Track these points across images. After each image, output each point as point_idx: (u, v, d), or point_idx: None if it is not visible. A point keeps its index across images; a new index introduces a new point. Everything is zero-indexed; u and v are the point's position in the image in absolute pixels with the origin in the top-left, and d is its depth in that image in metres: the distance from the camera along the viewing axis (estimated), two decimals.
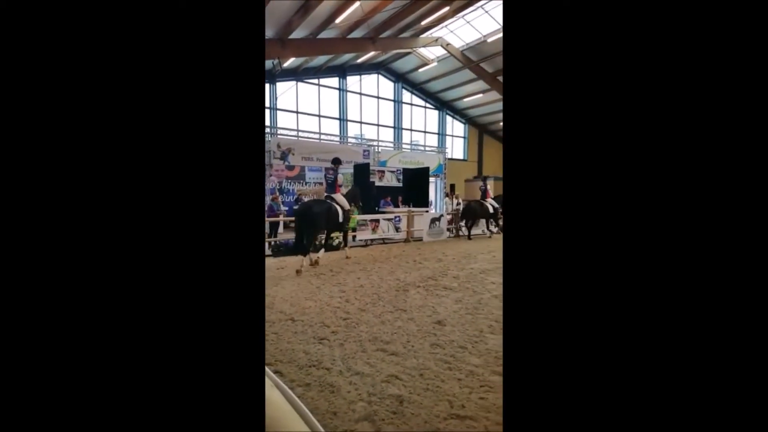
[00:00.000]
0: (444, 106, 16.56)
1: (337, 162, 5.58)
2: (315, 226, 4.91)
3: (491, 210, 8.49)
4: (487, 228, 8.78)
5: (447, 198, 10.44)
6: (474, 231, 8.60)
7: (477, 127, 17.55)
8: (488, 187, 8.90)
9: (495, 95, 14.26)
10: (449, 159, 14.61)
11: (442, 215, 8.98)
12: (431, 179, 11.86)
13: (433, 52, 13.24)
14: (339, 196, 5.40)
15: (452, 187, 10.98)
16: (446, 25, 11.70)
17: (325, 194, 5.48)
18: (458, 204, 9.44)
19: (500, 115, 15.85)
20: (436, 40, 12.20)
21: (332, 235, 6.06)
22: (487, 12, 10.91)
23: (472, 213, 8.41)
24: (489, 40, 11.84)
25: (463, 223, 8.69)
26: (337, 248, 6.39)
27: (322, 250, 5.66)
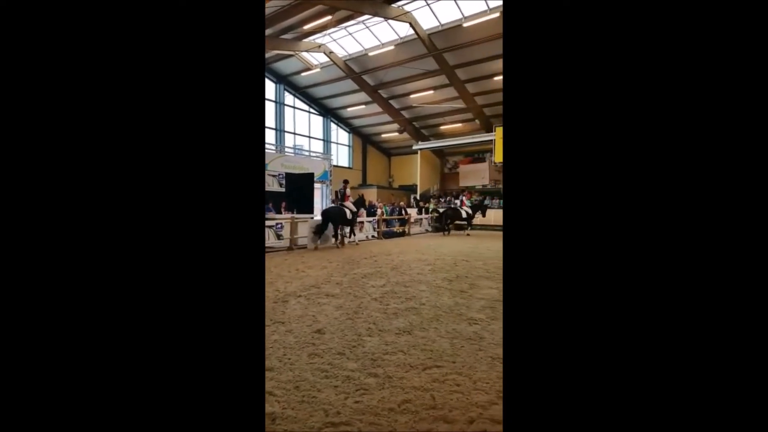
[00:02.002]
0: (329, 113, 16.66)
1: (346, 182, 8.66)
2: (333, 221, 7.86)
3: (464, 215, 11.49)
4: (467, 227, 11.73)
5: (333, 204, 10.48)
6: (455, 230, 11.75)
7: (361, 137, 18.17)
8: (463, 197, 12.19)
9: (376, 108, 15.01)
10: (335, 166, 14.75)
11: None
12: (317, 185, 11.74)
13: (317, 58, 13.23)
14: (348, 204, 8.16)
15: (337, 194, 11.12)
16: (329, 34, 11.83)
17: (339, 203, 8.22)
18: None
19: (383, 128, 16.79)
20: (319, 46, 12.22)
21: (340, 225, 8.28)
22: (368, 27, 11.45)
23: (449, 216, 11.46)
24: (370, 54, 12.42)
25: (441, 224, 11.59)
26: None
27: (351, 236, 8.52)
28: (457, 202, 12.41)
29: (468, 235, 11.28)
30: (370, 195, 14.57)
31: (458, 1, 10.17)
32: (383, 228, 10.51)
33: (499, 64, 11.74)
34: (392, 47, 12.01)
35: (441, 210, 12.35)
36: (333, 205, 8.69)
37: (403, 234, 10.95)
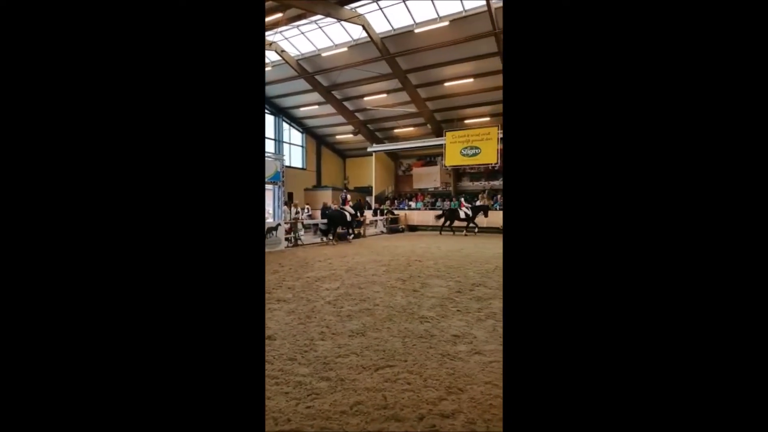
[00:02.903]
0: (280, 112, 16.21)
1: (347, 191, 10.49)
2: (335, 222, 9.56)
3: (462, 215, 11.81)
4: (467, 227, 11.95)
5: (285, 207, 10.20)
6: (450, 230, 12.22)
7: (315, 137, 17.89)
8: (462, 199, 12.80)
9: (330, 109, 14.88)
10: (287, 167, 14.36)
11: (279, 224, 8.69)
12: (268, 186, 11.35)
13: (268, 56, 12.81)
14: (348, 208, 9.92)
15: (290, 195, 10.85)
16: (281, 32, 11.53)
17: (340, 206, 10.10)
18: (297, 213, 10.93)
19: (337, 129, 16.67)
20: (270, 44, 11.86)
21: (340, 226, 9.95)
22: (320, 27, 11.33)
23: (447, 217, 12.04)
24: (323, 54, 12.30)
25: (443, 223, 12.11)
26: (344, 238, 10.14)
27: (350, 235, 10.21)
28: (457, 203, 12.92)
29: (466, 235, 11.62)
30: (326, 197, 14.37)
31: (410, 8, 10.40)
32: (339, 230, 10.44)
33: (448, 71, 12.19)
34: (345, 49, 11.98)
35: (444, 210, 12.92)
36: (334, 209, 10.45)
37: (359, 236, 10.95)
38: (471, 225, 11.88)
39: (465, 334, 2.67)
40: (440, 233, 12.03)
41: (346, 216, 9.71)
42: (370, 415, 1.64)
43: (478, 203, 12.81)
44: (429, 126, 14.67)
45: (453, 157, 13.42)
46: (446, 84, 12.62)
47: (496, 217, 11.88)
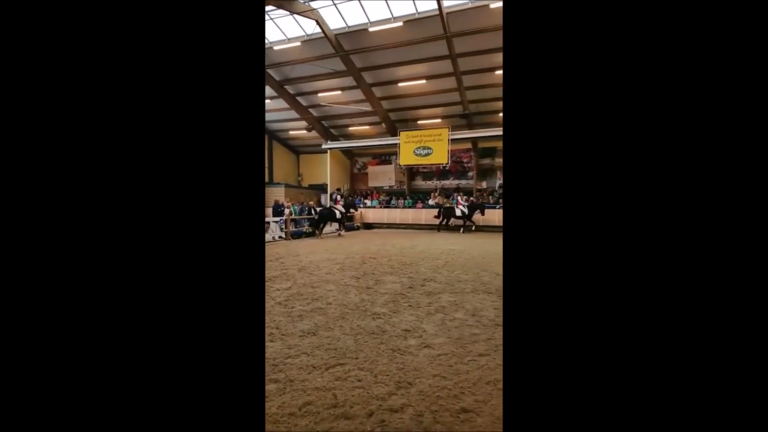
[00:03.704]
0: None
1: (339, 191, 13.17)
2: (324, 219, 10.61)
3: (459, 213, 11.95)
4: (464, 224, 12.08)
5: None
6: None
7: (267, 132, 17.24)
8: (459, 197, 12.61)
9: (283, 104, 14.45)
10: None
11: None
12: None
13: None
14: (338, 206, 11.01)
15: None
16: None
17: (331, 205, 11.36)
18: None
19: (290, 124, 16.21)
20: None
21: (330, 222, 11.01)
22: (272, 19, 10.93)
23: (445, 215, 12.12)
24: (275, 47, 11.90)
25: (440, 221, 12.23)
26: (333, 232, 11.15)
27: (340, 230, 11.31)
28: (454, 201, 12.75)
29: (462, 233, 11.65)
30: (278, 194, 13.91)
31: (364, 6, 10.39)
32: (292, 228, 10.18)
33: (402, 71, 12.36)
34: (299, 43, 11.68)
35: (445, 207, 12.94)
36: (325, 207, 11.79)
37: (313, 234, 10.76)
38: (468, 223, 11.98)
39: (415, 328, 2.74)
40: (438, 231, 12.03)
41: (335, 213, 10.86)
42: (320, 415, 1.62)
43: (471, 200, 12.81)
44: (384, 125, 14.78)
45: (407, 157, 13.65)
46: (400, 84, 12.78)
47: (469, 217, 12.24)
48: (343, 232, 11.33)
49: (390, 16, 10.66)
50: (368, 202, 15.48)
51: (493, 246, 7.72)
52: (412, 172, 15.87)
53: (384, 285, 4.17)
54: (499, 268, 5.13)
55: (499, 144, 13.98)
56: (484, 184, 14.70)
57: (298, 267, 5.43)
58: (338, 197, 11.70)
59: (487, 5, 9.70)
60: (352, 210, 12.22)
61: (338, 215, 10.93)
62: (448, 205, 12.75)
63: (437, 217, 12.27)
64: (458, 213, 12.05)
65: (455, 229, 12.12)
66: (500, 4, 9.16)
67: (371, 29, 10.85)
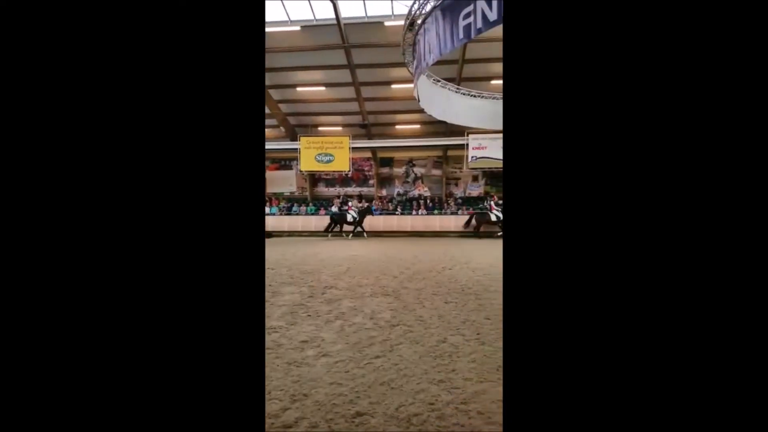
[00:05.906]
0: None
1: (350, 198, 13.80)
2: (337, 221, 12.24)
3: (494, 218, 11.80)
4: (354, 231, 12.29)
5: None
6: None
7: None
8: (491, 201, 12.33)
9: None
10: None
11: None
12: None
13: None
14: (351, 211, 12.18)
15: None
16: None
17: (344, 208, 12.65)
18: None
19: None
20: None
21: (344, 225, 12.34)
22: None
23: (479, 220, 12.11)
24: None
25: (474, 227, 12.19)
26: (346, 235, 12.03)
27: (351, 233, 12.24)
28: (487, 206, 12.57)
29: (499, 236, 11.12)
30: None
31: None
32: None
33: (300, 76, 12.16)
34: None
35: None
36: (338, 210, 12.77)
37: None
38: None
39: (314, 338, 2.68)
40: (477, 236, 11.64)
41: (347, 217, 11.95)
42: None
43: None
44: (283, 129, 14.27)
45: (308, 163, 13.42)
46: (299, 89, 12.55)
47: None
48: (350, 237, 11.88)
49: (287, 19, 10.41)
50: (267, 209, 14.70)
51: (392, 250, 8.07)
52: (314, 178, 15.64)
53: (282, 296, 3.99)
54: (399, 271, 5.40)
55: (397, 154, 14.80)
56: (384, 192, 15.32)
57: None
58: (349, 201, 12.84)
59: (382, 22, 10.23)
60: (363, 217, 12.32)
61: (350, 218, 11.94)
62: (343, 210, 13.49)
63: (467, 223, 12.20)
64: (493, 218, 12.08)
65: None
66: (395, 23, 9.75)
67: (269, 29, 10.42)
